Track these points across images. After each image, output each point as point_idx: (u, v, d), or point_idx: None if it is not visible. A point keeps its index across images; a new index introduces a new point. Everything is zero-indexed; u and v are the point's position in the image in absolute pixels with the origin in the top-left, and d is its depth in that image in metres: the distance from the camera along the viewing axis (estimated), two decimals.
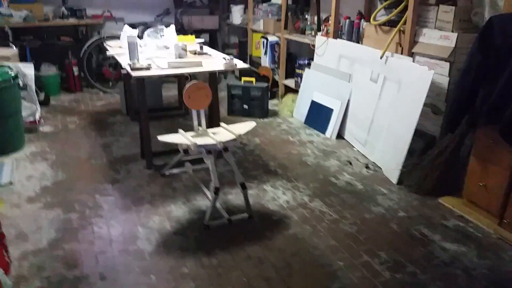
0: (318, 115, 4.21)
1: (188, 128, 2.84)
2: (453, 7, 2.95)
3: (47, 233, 2.50)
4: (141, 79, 3.12)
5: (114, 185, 3.07)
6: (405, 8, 3.26)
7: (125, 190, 3.01)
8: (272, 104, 4.96)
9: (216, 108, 3.51)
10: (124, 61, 3.27)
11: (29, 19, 5.09)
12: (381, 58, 3.48)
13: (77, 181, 3.12)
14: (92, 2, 5.71)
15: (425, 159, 2.95)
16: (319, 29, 4.50)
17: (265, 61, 5.38)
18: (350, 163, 3.47)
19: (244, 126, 2.81)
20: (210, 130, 2.79)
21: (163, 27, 3.90)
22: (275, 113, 4.72)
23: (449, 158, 2.83)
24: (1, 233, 2.09)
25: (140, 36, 3.92)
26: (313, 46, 4.42)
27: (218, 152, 2.68)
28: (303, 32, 4.83)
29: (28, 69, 3.98)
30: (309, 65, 4.53)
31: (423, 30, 3.19)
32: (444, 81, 3.05)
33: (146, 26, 5.26)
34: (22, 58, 4.82)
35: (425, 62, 3.17)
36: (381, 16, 3.63)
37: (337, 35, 4.17)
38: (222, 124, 2.87)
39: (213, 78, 3.43)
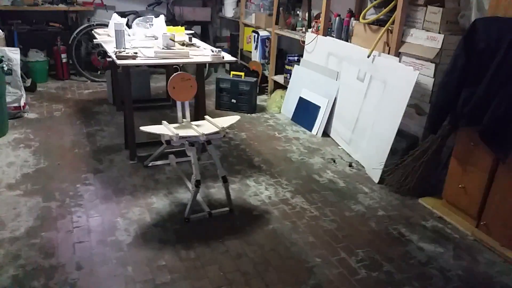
0: (305, 112, 4.21)
1: (174, 120, 2.82)
2: (441, 9, 2.95)
3: (25, 221, 2.48)
4: (126, 68, 3.09)
5: (96, 175, 3.05)
6: (394, 7, 3.27)
7: (107, 180, 3.00)
8: (261, 99, 4.95)
9: (203, 100, 3.49)
10: (111, 49, 3.23)
11: (18, 3, 5.01)
12: (368, 57, 3.48)
13: (59, 170, 3.09)
14: None
15: (407, 159, 2.97)
16: (309, 26, 4.50)
17: (256, 56, 5.35)
18: (334, 161, 3.48)
19: (228, 120, 2.80)
20: (194, 123, 2.78)
21: (153, 17, 3.87)
22: (263, 109, 4.71)
23: (431, 159, 2.85)
24: None
25: (130, 25, 3.88)
26: (303, 42, 4.41)
27: (203, 145, 2.67)
28: (294, 28, 4.81)
29: (14, 54, 3.94)
30: (299, 61, 4.51)
31: (411, 31, 3.19)
32: (429, 82, 3.07)
33: (137, 15, 5.21)
34: (9, 42, 4.76)
35: (411, 63, 3.18)
36: (370, 15, 3.62)
37: (327, 32, 4.16)
38: (206, 117, 2.86)
39: (200, 70, 3.41)
